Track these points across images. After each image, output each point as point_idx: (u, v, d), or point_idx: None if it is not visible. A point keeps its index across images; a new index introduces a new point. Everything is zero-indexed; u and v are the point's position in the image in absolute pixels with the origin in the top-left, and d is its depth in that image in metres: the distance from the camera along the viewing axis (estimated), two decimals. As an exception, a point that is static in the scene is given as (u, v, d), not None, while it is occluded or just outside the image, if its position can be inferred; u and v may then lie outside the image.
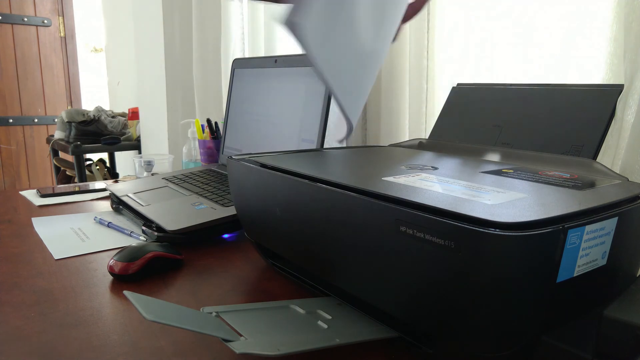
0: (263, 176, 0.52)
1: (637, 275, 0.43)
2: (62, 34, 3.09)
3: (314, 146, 0.81)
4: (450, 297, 0.34)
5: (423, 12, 0.91)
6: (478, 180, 0.43)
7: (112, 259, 0.58)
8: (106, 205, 0.93)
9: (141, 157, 1.20)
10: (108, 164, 2.60)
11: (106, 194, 1.02)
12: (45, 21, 3.02)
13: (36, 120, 3.04)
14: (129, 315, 0.48)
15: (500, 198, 0.37)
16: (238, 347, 0.35)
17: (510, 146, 0.61)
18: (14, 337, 0.44)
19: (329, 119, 0.81)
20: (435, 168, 0.50)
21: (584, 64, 0.70)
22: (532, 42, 0.78)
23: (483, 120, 0.67)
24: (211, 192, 0.81)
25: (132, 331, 0.45)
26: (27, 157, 3.05)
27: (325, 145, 0.80)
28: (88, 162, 2.41)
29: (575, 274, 0.34)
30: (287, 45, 1.30)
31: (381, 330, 0.42)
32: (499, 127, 0.64)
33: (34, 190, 1.05)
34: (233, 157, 0.58)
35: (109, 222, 0.78)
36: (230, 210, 0.71)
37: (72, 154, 2.13)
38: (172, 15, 1.73)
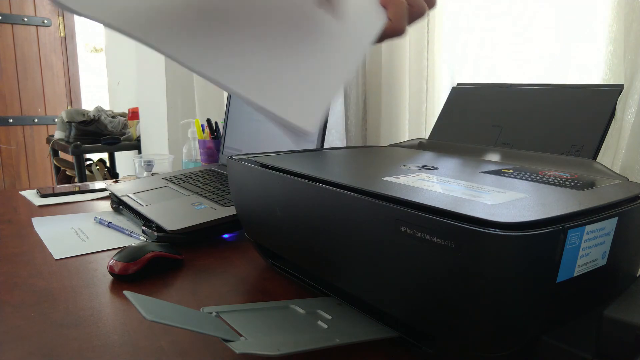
0: (263, 176, 0.52)
1: (637, 275, 0.43)
2: (62, 34, 3.09)
3: (314, 146, 0.81)
4: (450, 297, 0.34)
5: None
6: (478, 180, 0.43)
7: (112, 259, 0.58)
8: (106, 205, 0.93)
9: (141, 157, 1.20)
10: (108, 164, 2.60)
11: (106, 194, 1.02)
12: (45, 21, 3.02)
13: (36, 120, 3.04)
14: (129, 315, 0.48)
15: (500, 198, 0.37)
16: (238, 347, 0.35)
17: (510, 146, 0.61)
18: (14, 337, 0.44)
19: (329, 119, 0.81)
20: (435, 168, 0.50)
21: (584, 64, 0.70)
22: (532, 42, 0.78)
23: (483, 120, 0.67)
24: (211, 192, 0.81)
25: (132, 331, 0.45)
26: (27, 157, 3.05)
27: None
28: (88, 162, 2.41)
29: (575, 274, 0.34)
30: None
31: (381, 330, 0.42)
32: (499, 127, 0.64)
33: (34, 190, 1.05)
34: (233, 157, 0.58)
35: (109, 222, 0.78)
36: (230, 210, 0.71)
37: (72, 154, 2.13)
38: (172, 15, 1.73)
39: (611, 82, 0.64)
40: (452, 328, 0.35)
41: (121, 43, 2.70)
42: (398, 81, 0.96)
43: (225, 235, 0.73)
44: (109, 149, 2.31)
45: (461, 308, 0.33)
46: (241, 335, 0.38)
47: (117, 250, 0.60)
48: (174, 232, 0.67)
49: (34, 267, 0.61)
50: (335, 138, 1.06)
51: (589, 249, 0.34)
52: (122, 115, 2.45)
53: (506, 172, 0.48)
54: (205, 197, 0.79)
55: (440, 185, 0.41)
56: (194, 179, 0.91)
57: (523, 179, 0.45)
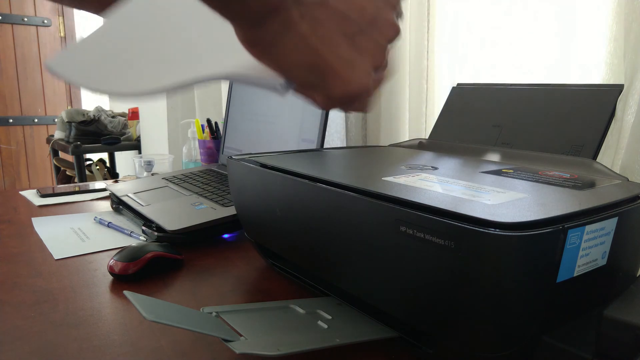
0: (263, 176, 0.52)
1: (637, 275, 0.43)
2: (62, 34, 3.09)
3: (314, 146, 0.81)
4: (450, 297, 0.34)
5: (423, 12, 0.91)
6: (478, 180, 0.43)
7: (112, 259, 0.58)
8: (106, 205, 0.93)
9: (141, 157, 1.20)
10: (108, 164, 2.60)
11: (106, 194, 1.02)
12: (45, 21, 3.02)
13: (36, 120, 3.04)
14: (129, 315, 0.48)
15: (500, 198, 0.37)
16: (238, 347, 0.35)
17: (510, 146, 0.61)
18: (14, 337, 0.44)
19: (329, 119, 0.81)
20: (435, 168, 0.50)
21: (584, 64, 0.70)
22: (532, 42, 0.78)
23: (483, 120, 0.67)
24: (211, 192, 0.81)
25: (132, 331, 0.45)
26: (27, 157, 3.05)
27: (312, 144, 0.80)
28: (88, 162, 2.41)
29: (575, 274, 0.34)
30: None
31: (381, 330, 0.42)
32: (499, 127, 0.64)
33: (34, 190, 1.05)
34: (233, 157, 0.58)
35: (109, 222, 0.78)
36: (230, 210, 0.71)
37: (72, 154, 2.14)
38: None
39: (611, 82, 0.64)
40: (452, 328, 0.35)
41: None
42: (398, 81, 0.96)
43: (225, 235, 0.73)
44: (109, 149, 2.32)
45: (461, 308, 0.33)
46: (241, 335, 0.38)
47: (117, 250, 0.60)
48: (174, 232, 0.67)
49: (34, 267, 0.61)
50: (335, 138, 1.06)
51: (589, 249, 0.34)
52: (122, 115, 2.45)
53: (506, 172, 0.48)
54: (205, 197, 0.79)
55: (440, 185, 0.41)
56: (194, 179, 0.91)
57: (523, 179, 0.45)
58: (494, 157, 0.60)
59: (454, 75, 0.91)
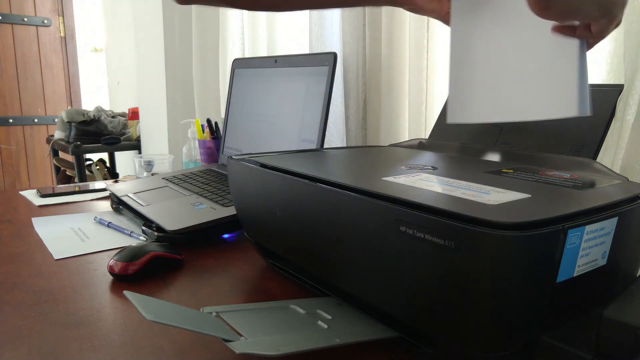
0: (263, 176, 0.52)
1: (637, 275, 0.43)
2: (62, 34, 3.09)
3: (314, 146, 0.81)
4: (450, 297, 0.34)
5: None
6: (478, 180, 0.43)
7: (112, 259, 0.58)
8: (106, 205, 0.93)
9: (141, 157, 1.20)
10: (108, 164, 2.60)
11: (106, 194, 1.02)
12: (45, 21, 3.02)
13: (36, 120, 3.04)
14: (129, 315, 0.48)
15: (500, 198, 0.37)
16: (238, 347, 0.35)
17: (510, 146, 0.61)
18: (14, 337, 0.44)
19: (329, 119, 0.81)
20: (435, 168, 0.50)
21: (584, 64, 0.70)
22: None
23: (483, 120, 0.66)
24: (211, 192, 0.81)
25: (132, 331, 0.45)
26: (27, 157, 3.05)
27: (327, 145, 0.80)
28: (88, 162, 2.41)
29: (575, 274, 0.34)
30: (287, 45, 1.30)
31: (381, 330, 0.42)
32: (499, 127, 0.64)
33: (34, 190, 1.05)
34: (233, 157, 0.58)
35: (109, 222, 0.78)
36: (230, 210, 0.71)
37: (72, 154, 2.13)
38: (172, 16, 1.73)
39: (611, 82, 0.64)
40: (452, 328, 0.35)
41: (121, 43, 2.70)
42: (398, 81, 0.96)
43: (225, 235, 0.73)
44: (109, 149, 2.31)
45: (461, 308, 0.33)
46: (241, 335, 0.38)
47: (117, 250, 0.60)
48: (174, 232, 0.67)
49: (34, 267, 0.61)
50: (335, 138, 1.06)
51: (589, 249, 0.34)
52: (122, 115, 2.45)
53: (506, 172, 0.48)
54: (205, 197, 0.79)
55: (440, 185, 0.41)
56: (194, 179, 0.92)
57: (523, 179, 0.45)
58: (494, 157, 0.60)
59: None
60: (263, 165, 0.52)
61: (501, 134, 0.64)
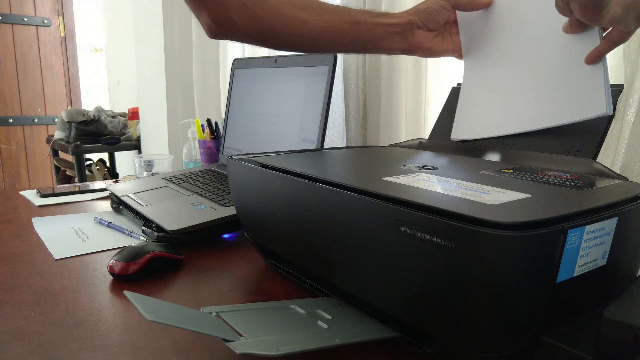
0: (263, 176, 0.52)
1: (637, 275, 0.43)
2: (62, 34, 3.09)
3: (314, 146, 0.81)
4: (450, 297, 0.34)
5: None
6: (478, 180, 0.43)
7: (112, 259, 0.58)
8: (106, 205, 0.93)
9: (141, 157, 1.20)
10: (108, 164, 2.60)
11: (106, 194, 1.02)
12: (45, 21, 3.02)
13: (36, 120, 3.04)
14: (129, 315, 0.48)
15: (500, 198, 0.37)
16: (238, 347, 0.35)
17: (510, 146, 0.61)
18: (14, 337, 0.44)
19: (329, 119, 0.81)
20: (435, 168, 0.50)
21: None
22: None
23: (483, 120, 0.66)
24: (211, 192, 0.81)
25: (132, 331, 0.45)
26: (27, 157, 3.05)
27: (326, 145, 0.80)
28: (88, 162, 2.41)
29: (575, 274, 0.34)
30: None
31: (381, 330, 0.42)
32: (499, 127, 0.64)
33: (34, 190, 1.05)
34: (233, 157, 0.58)
35: (109, 222, 0.78)
36: (230, 210, 0.71)
37: (72, 154, 2.14)
38: (172, 16, 1.73)
39: (611, 82, 0.64)
40: (452, 328, 0.35)
41: (121, 43, 2.70)
42: (398, 81, 0.96)
43: (225, 235, 0.73)
44: (109, 149, 2.32)
45: (461, 308, 0.33)
46: (241, 335, 0.38)
47: (117, 250, 0.60)
48: (174, 232, 0.67)
49: (34, 267, 0.61)
50: (335, 138, 1.06)
51: (589, 249, 0.34)
52: (122, 115, 2.45)
53: (506, 172, 0.48)
54: (205, 197, 0.79)
55: (440, 185, 0.41)
56: (194, 179, 0.92)
57: (523, 179, 0.45)
58: (494, 157, 0.60)
59: (454, 75, 0.91)
60: (263, 165, 0.52)
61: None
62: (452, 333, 0.35)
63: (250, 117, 1.00)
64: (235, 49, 1.43)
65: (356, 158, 0.60)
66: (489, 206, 0.34)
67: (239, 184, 0.57)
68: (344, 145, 1.07)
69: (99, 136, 2.26)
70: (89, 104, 3.12)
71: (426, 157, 0.58)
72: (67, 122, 2.26)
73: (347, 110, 1.06)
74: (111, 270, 0.57)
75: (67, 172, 2.44)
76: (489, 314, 0.33)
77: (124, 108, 2.53)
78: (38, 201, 0.96)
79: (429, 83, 0.93)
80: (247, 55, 1.42)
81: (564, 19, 0.55)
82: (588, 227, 0.33)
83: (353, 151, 0.65)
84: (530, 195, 0.38)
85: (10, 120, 2.96)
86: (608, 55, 0.65)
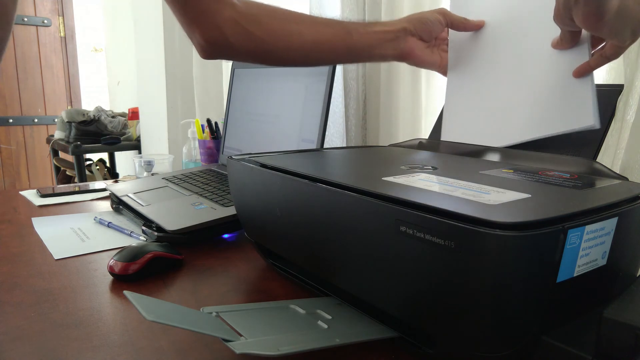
0: (263, 176, 0.52)
1: (637, 275, 0.43)
2: (62, 34, 3.09)
3: (314, 146, 0.81)
4: (450, 297, 0.34)
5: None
6: (478, 180, 0.43)
7: (112, 259, 0.58)
8: (106, 205, 0.93)
9: (141, 157, 1.20)
10: (108, 164, 2.60)
11: (106, 194, 1.02)
12: (45, 21, 3.02)
13: (36, 120, 3.04)
14: (129, 315, 0.48)
15: (500, 198, 0.37)
16: (238, 347, 0.35)
17: (510, 146, 0.61)
18: (14, 337, 0.44)
19: (329, 119, 0.81)
20: (435, 168, 0.50)
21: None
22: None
23: (483, 120, 0.66)
24: (211, 192, 0.81)
25: (132, 331, 0.45)
26: (27, 157, 3.05)
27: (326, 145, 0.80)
28: (88, 162, 2.41)
29: (575, 274, 0.34)
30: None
31: (381, 330, 0.42)
32: (499, 127, 0.64)
33: (34, 190, 1.05)
34: (233, 157, 0.58)
35: (109, 222, 0.78)
36: (230, 210, 0.71)
37: (72, 154, 2.14)
38: (172, 16, 1.73)
39: (611, 82, 0.64)
40: (452, 328, 0.35)
41: (121, 43, 2.70)
42: (398, 81, 0.96)
43: (225, 235, 0.73)
44: (109, 149, 2.32)
45: (461, 308, 0.33)
46: (241, 335, 0.38)
47: (117, 250, 0.60)
48: (174, 232, 0.67)
49: (34, 267, 0.61)
50: (335, 138, 1.06)
51: (589, 249, 0.34)
52: (122, 115, 2.45)
53: (506, 172, 0.48)
54: (205, 197, 0.79)
55: (440, 185, 0.41)
56: (194, 179, 0.92)
57: (523, 179, 0.45)
58: (494, 157, 0.60)
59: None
60: (263, 165, 0.52)
61: (501, 134, 0.63)
62: (452, 333, 0.35)
63: (250, 117, 1.00)
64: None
65: (356, 158, 0.60)
66: (489, 206, 0.34)
67: (239, 184, 0.57)
68: (344, 145, 1.07)
69: (99, 136, 2.26)
70: (89, 104, 3.12)
71: (426, 157, 0.58)
72: (67, 122, 2.26)
73: (347, 110, 1.06)
74: (111, 270, 0.57)
75: (67, 172, 2.44)
76: (489, 314, 0.33)
77: (124, 108, 2.53)
78: (38, 201, 0.96)
79: (429, 83, 0.93)
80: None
81: (553, 36, 0.56)
82: (588, 227, 0.33)
83: (353, 151, 0.65)
84: (530, 195, 0.38)
85: (10, 120, 2.96)
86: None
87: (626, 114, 0.61)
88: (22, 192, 1.04)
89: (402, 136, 0.97)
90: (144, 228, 0.71)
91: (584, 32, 0.54)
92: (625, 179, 0.47)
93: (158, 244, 0.61)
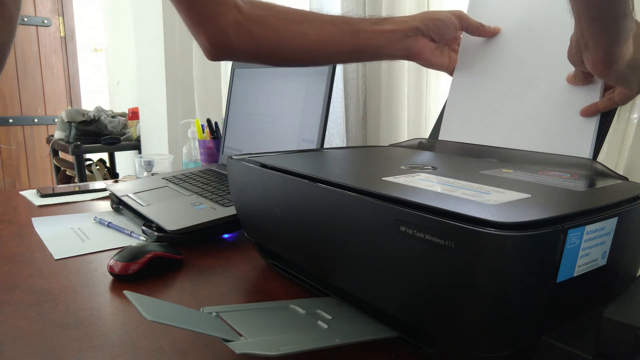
0: (263, 176, 0.51)
1: (637, 275, 0.43)
2: (62, 34, 3.08)
3: (314, 146, 0.81)
4: (450, 297, 0.34)
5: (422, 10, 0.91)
6: (478, 180, 0.43)
7: (112, 259, 0.58)
8: (106, 205, 0.93)
9: (141, 157, 1.20)
10: (108, 164, 2.60)
11: (106, 194, 1.02)
12: (45, 21, 3.02)
13: (36, 120, 3.04)
14: (129, 315, 0.48)
15: (500, 198, 0.37)
16: (238, 347, 0.35)
17: (510, 146, 0.61)
18: (14, 337, 0.44)
19: (329, 119, 0.81)
20: (435, 168, 0.50)
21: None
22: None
23: (483, 120, 0.66)
24: (211, 192, 0.81)
25: (132, 331, 0.45)
26: (27, 157, 3.05)
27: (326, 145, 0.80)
28: (88, 162, 2.41)
29: (575, 274, 0.34)
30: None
31: (381, 330, 0.42)
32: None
33: (34, 190, 1.05)
34: (233, 157, 0.58)
35: (109, 222, 0.78)
36: (230, 210, 0.71)
37: (72, 154, 2.13)
38: (172, 16, 1.73)
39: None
40: (452, 328, 0.35)
41: (121, 43, 2.70)
42: (398, 81, 0.96)
43: (225, 235, 0.73)
44: (109, 149, 2.31)
45: (461, 308, 0.33)
46: (241, 335, 0.38)
47: (117, 250, 0.60)
48: (174, 232, 0.67)
49: (34, 267, 0.61)
50: (335, 138, 1.06)
51: (589, 249, 0.34)
52: (122, 115, 2.45)
53: (506, 172, 0.48)
54: (205, 197, 0.79)
55: (440, 185, 0.41)
56: (194, 179, 0.92)
57: (523, 179, 0.45)
58: (494, 157, 0.60)
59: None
60: (263, 165, 0.52)
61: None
62: (452, 333, 0.35)
63: (250, 117, 1.00)
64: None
65: (356, 158, 0.60)
66: (489, 206, 0.34)
67: (239, 184, 0.57)
68: (344, 145, 1.07)
69: (99, 136, 2.26)
70: (89, 104, 3.12)
71: (426, 157, 0.58)
72: (67, 122, 2.26)
73: (347, 110, 1.06)
74: (111, 270, 0.57)
75: (67, 172, 2.44)
76: (489, 314, 0.33)
77: (124, 108, 2.53)
78: (38, 201, 0.96)
79: (429, 83, 0.93)
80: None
81: (567, 70, 0.55)
82: (588, 227, 0.33)
83: (353, 151, 0.65)
84: (530, 195, 0.38)
85: (10, 120, 2.96)
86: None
87: (632, 112, 0.61)
88: (22, 192, 1.04)
89: (402, 136, 0.97)
90: (144, 228, 0.71)
91: None
92: (625, 178, 0.47)
93: (158, 244, 0.61)
